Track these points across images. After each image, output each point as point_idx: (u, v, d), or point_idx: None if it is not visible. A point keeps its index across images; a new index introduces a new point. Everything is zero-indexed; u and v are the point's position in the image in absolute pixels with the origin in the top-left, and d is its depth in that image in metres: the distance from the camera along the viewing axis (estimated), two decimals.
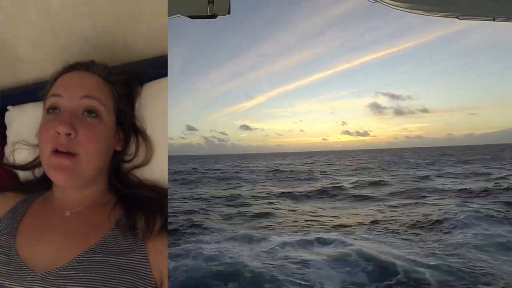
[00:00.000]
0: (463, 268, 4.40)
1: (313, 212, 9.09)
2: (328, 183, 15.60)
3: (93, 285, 1.11)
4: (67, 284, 1.12)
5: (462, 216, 7.06)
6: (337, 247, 5.39)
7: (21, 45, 1.58)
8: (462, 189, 11.77)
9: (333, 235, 6.15)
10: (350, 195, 11.62)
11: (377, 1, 2.25)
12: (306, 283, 4.13)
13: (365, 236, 6.21)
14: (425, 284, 4.06)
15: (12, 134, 1.60)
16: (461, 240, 5.71)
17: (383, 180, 15.61)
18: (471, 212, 7.37)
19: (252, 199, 11.42)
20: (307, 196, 11.96)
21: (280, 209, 9.48)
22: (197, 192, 13.94)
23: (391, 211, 8.69)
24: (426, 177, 16.43)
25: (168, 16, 1.59)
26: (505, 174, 15.85)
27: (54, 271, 1.15)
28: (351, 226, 7.15)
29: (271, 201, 11.02)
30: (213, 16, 2.03)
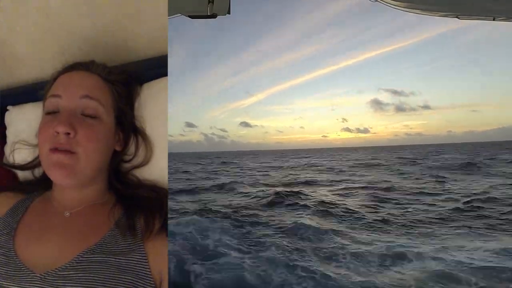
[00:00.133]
0: None
1: None
2: None
3: (93, 285, 1.11)
4: (66, 284, 1.12)
5: None
6: None
7: (21, 45, 1.58)
8: None
9: None
10: None
11: (377, 1, 2.25)
12: None
13: None
14: None
15: (12, 134, 1.60)
16: None
17: None
18: None
19: None
20: None
21: None
22: None
23: None
24: None
25: (168, 16, 1.59)
26: None
27: (53, 272, 1.15)
28: None
29: None
30: (213, 16, 2.03)
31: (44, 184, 1.42)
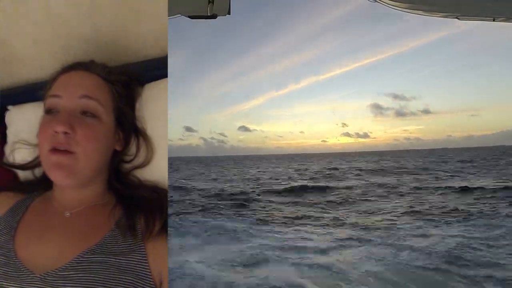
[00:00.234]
0: None
1: None
2: None
3: (93, 286, 1.11)
4: (66, 284, 1.12)
5: None
6: None
7: (21, 45, 1.58)
8: None
9: None
10: None
11: (376, 1, 2.25)
12: None
13: None
14: None
15: (12, 133, 1.60)
16: None
17: None
18: None
19: None
20: None
21: None
22: None
23: None
24: None
25: (168, 16, 1.59)
26: None
27: (53, 272, 1.15)
28: None
29: None
30: (213, 16, 2.02)
31: (44, 184, 1.41)
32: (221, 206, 11.68)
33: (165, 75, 1.51)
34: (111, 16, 1.52)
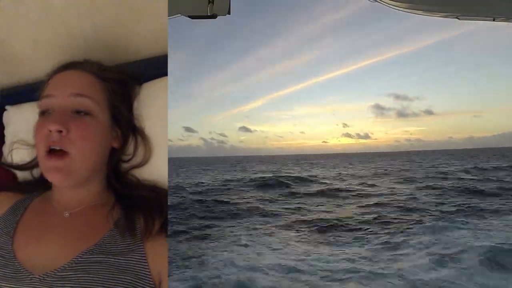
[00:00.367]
0: None
1: None
2: None
3: (92, 286, 1.10)
4: (65, 285, 1.11)
5: None
6: None
7: (21, 44, 1.58)
8: None
9: None
10: None
11: (377, 1, 2.25)
12: None
13: None
14: None
15: (10, 133, 1.60)
16: None
17: None
18: None
19: None
20: None
21: None
22: None
23: None
24: None
25: (168, 16, 1.59)
26: None
27: (52, 273, 1.14)
28: None
29: None
30: (213, 16, 2.02)
31: (43, 184, 1.41)
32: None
33: (165, 74, 1.50)
34: (111, 16, 1.51)
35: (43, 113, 1.28)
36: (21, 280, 1.14)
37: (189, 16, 2.08)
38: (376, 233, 8.27)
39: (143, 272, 1.16)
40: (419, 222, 9.18)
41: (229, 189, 18.32)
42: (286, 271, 5.79)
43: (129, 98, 1.44)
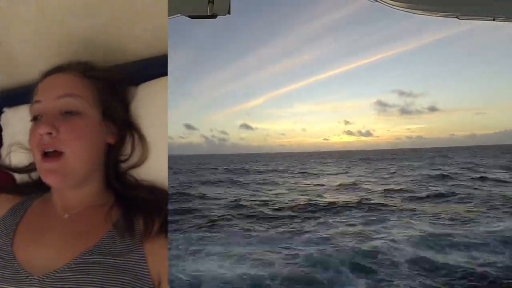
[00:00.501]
0: None
1: None
2: None
3: (91, 287, 1.10)
4: (64, 286, 1.11)
5: None
6: None
7: (17, 45, 1.57)
8: None
9: None
10: None
11: (377, 1, 2.25)
12: None
13: None
14: None
15: (8, 136, 1.60)
16: None
17: None
18: None
19: None
20: None
21: None
22: None
23: None
24: None
25: (168, 16, 1.59)
26: None
27: (52, 274, 1.14)
28: None
29: None
30: (213, 16, 2.02)
31: (42, 186, 1.41)
32: None
33: (164, 74, 1.50)
34: (111, 16, 1.51)
35: (35, 119, 1.29)
36: (20, 281, 1.15)
37: (189, 16, 2.08)
38: None
39: (142, 272, 1.16)
40: None
41: None
42: None
43: (122, 95, 1.44)
